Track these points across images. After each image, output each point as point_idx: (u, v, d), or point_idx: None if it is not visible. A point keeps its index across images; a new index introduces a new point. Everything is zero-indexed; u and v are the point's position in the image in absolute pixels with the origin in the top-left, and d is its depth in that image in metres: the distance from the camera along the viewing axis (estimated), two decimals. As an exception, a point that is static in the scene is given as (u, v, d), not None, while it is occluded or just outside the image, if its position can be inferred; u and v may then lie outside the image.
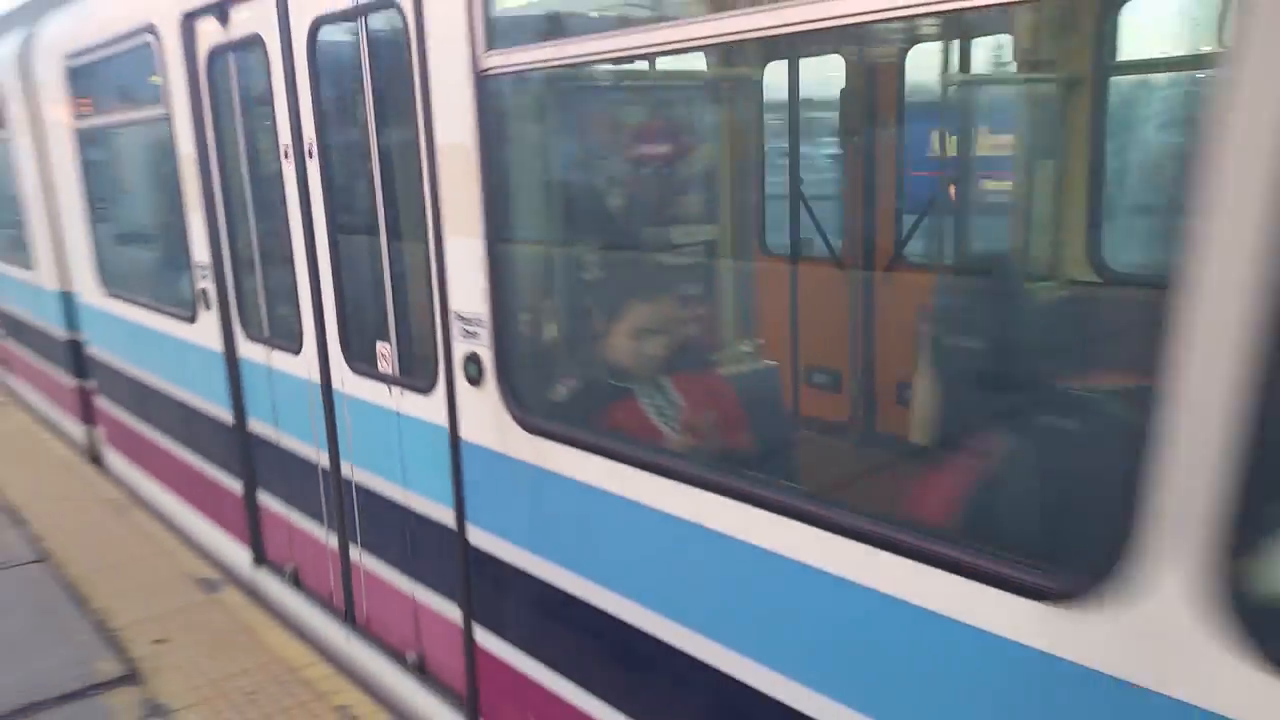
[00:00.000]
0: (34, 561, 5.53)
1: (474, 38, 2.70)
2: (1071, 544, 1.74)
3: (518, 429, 2.91)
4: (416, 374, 3.40)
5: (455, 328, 3.06)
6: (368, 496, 3.87)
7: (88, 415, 7.39)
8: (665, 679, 2.61)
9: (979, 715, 1.85)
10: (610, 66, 3.70)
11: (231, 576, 5.21)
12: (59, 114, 6.41)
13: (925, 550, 1.86)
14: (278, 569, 4.77)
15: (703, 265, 4.10)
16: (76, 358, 7.24)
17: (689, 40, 2.34)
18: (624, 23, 3.09)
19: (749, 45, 3.57)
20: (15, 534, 5.91)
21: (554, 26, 2.83)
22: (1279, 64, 1.34)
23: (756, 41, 2.24)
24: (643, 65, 4.18)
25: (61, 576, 5.30)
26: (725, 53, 4.16)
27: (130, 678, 4.28)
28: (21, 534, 5.90)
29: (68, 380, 7.57)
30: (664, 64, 4.16)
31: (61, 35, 6.22)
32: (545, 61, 2.66)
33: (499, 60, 2.67)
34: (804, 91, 4.77)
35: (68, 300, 7.15)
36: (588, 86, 3.82)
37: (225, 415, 4.84)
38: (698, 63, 4.31)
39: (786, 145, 4.90)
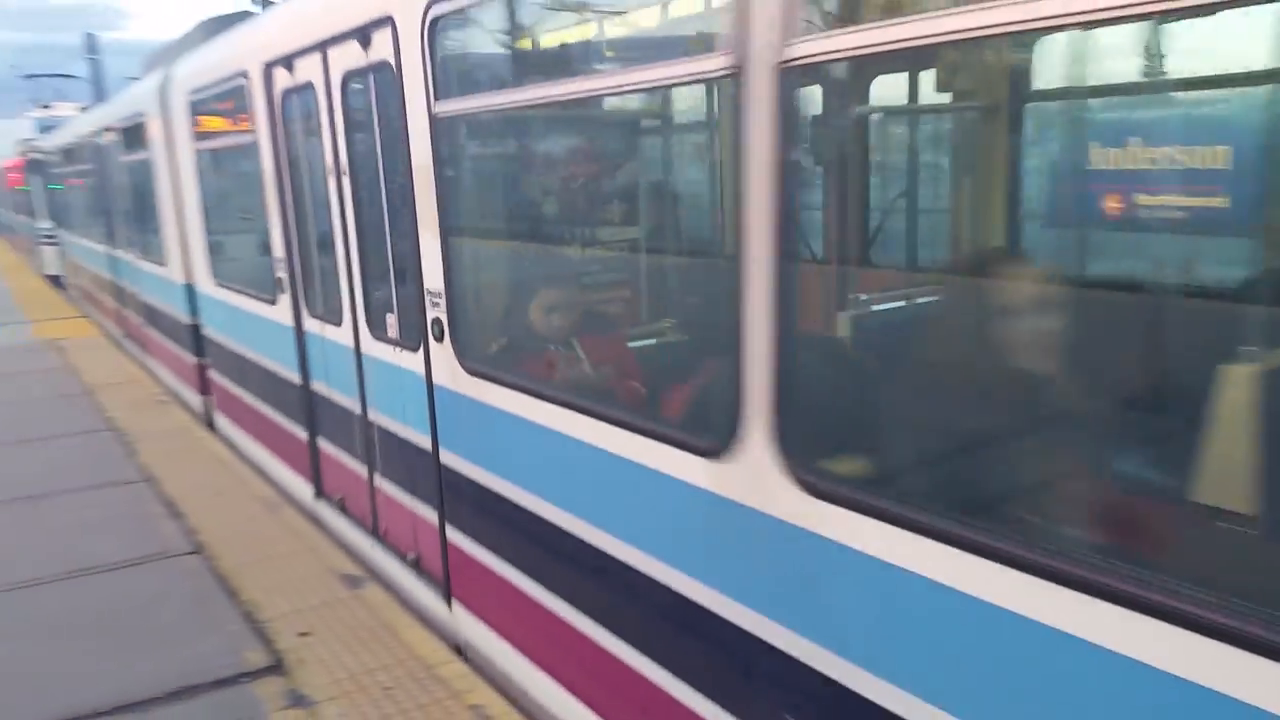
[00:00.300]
0: (191, 553, 5.83)
1: (429, 91, 3.83)
2: (715, 424, 2.72)
3: (464, 373, 4.01)
4: (409, 336, 4.55)
5: (428, 299, 4.19)
6: (384, 434, 5.05)
7: (204, 387, 8.91)
8: (559, 550, 3.65)
9: (674, 523, 2.86)
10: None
11: (295, 503, 6.49)
12: (184, 138, 7.92)
13: (652, 430, 2.88)
14: (330, 499, 6.02)
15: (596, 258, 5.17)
16: (196, 339, 8.75)
17: (567, 94, 3.43)
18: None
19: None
20: (174, 526, 6.27)
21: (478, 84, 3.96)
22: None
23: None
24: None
25: (215, 568, 5.58)
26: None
27: (276, 668, 4.47)
28: (179, 526, 6.26)
29: (189, 358, 9.11)
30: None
31: (187, 75, 7.72)
32: (476, 109, 3.77)
33: (444, 107, 3.79)
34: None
35: (190, 291, 8.68)
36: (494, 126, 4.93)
37: (295, 377, 6.13)
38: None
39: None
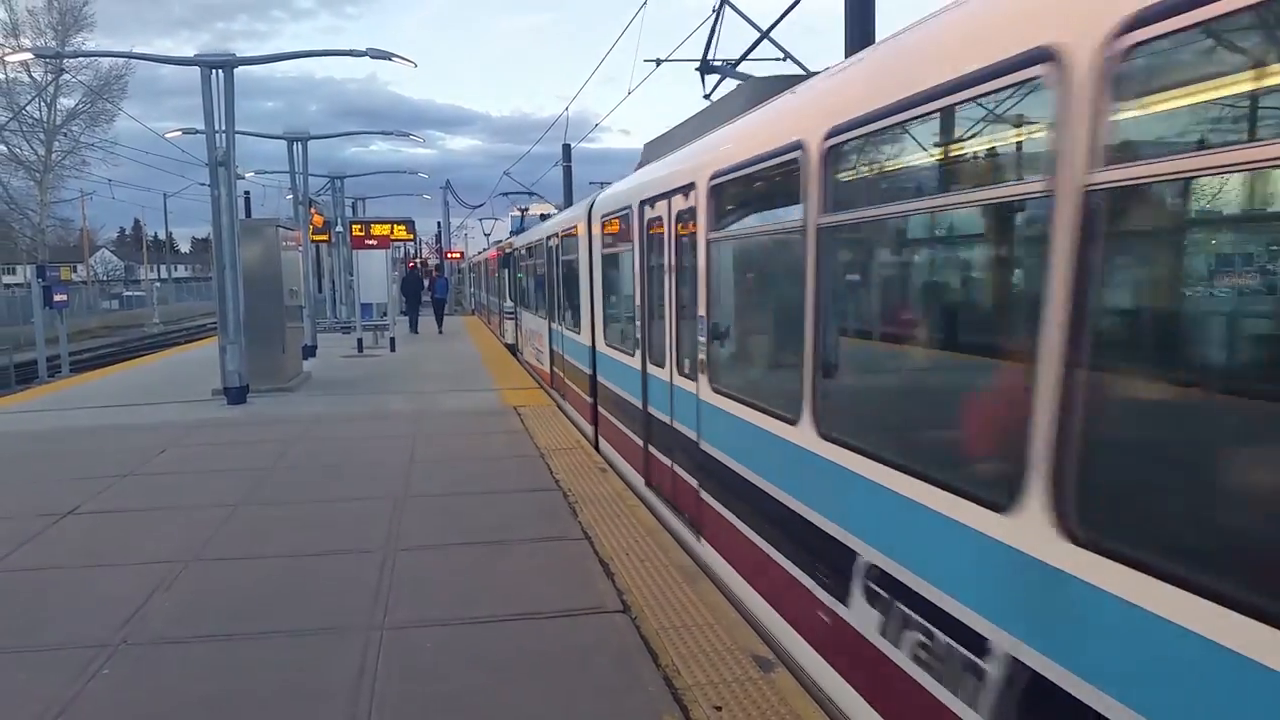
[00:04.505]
0: (619, 611, 6.16)
1: None
2: None
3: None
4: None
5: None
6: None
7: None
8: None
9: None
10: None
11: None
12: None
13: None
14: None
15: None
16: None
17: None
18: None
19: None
20: (607, 584, 6.70)
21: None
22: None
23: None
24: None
25: (638, 629, 5.83)
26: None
27: (691, 737, 4.58)
28: (610, 586, 6.66)
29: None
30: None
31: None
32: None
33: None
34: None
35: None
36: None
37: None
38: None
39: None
